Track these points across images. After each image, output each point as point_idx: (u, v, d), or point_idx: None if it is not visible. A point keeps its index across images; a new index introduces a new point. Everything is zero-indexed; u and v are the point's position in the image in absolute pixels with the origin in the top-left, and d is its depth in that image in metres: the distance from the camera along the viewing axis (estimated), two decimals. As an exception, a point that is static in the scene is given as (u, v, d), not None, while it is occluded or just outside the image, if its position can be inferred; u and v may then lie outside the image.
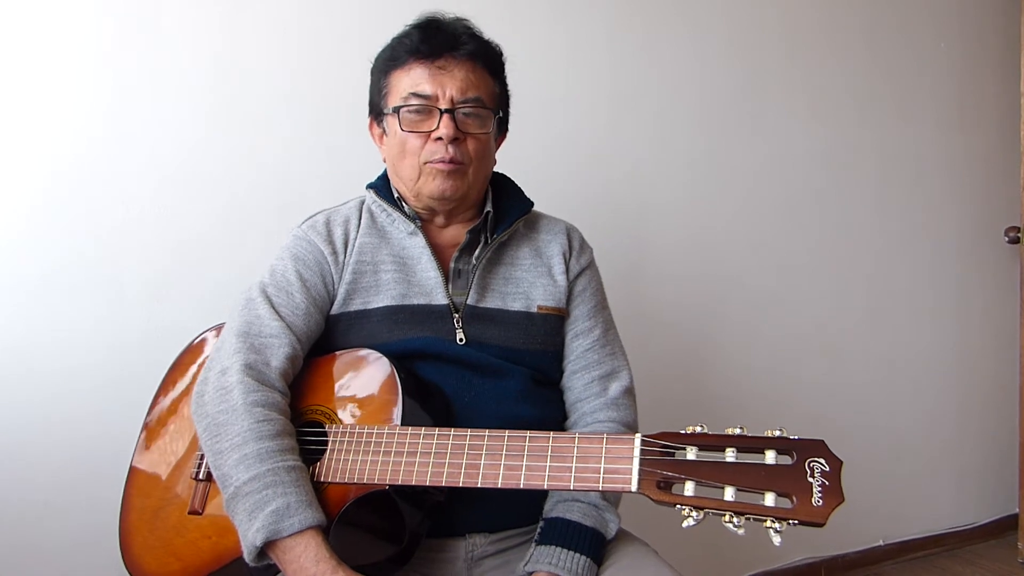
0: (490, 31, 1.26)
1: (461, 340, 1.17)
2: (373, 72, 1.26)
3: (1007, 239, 2.65)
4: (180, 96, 1.62)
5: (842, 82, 2.41)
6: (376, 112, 1.26)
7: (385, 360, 1.09)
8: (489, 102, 1.21)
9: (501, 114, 1.26)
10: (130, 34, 1.58)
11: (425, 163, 1.18)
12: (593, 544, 1.10)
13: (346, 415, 1.08)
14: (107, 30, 1.56)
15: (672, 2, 2.14)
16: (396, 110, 1.18)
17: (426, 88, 1.17)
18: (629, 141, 2.09)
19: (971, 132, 2.67)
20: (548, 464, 0.92)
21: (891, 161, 2.51)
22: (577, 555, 1.07)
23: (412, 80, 1.18)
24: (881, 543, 2.49)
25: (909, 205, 2.55)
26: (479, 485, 0.94)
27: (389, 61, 1.22)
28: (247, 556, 0.97)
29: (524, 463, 0.93)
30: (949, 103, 2.63)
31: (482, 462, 0.95)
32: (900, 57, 2.52)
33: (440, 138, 1.16)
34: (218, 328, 1.27)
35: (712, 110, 2.21)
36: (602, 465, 0.89)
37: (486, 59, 1.22)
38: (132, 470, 1.22)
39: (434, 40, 1.18)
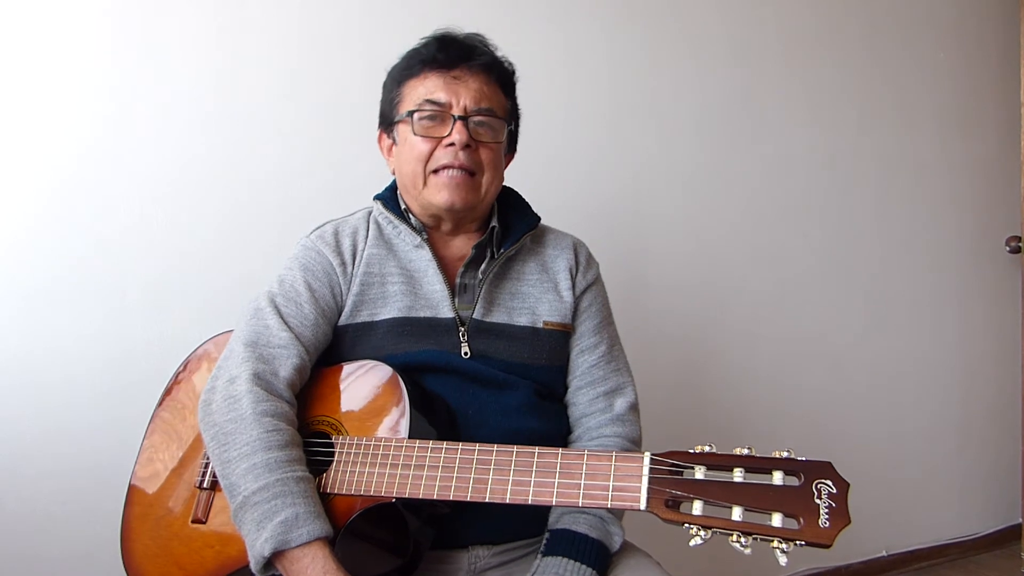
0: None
1: (466, 354, 1.18)
2: (386, 84, 1.27)
3: (1008, 248, 2.64)
4: (181, 103, 1.62)
5: (843, 90, 2.41)
6: (387, 122, 1.27)
7: (392, 372, 1.09)
8: (501, 114, 1.23)
9: (512, 127, 1.28)
10: (131, 41, 1.58)
11: (433, 171, 1.18)
12: (598, 556, 1.10)
13: (352, 426, 1.08)
14: (108, 36, 1.56)
15: (671, 10, 2.14)
16: (410, 114, 1.19)
17: (441, 96, 1.18)
18: (629, 150, 2.09)
19: (971, 141, 2.67)
20: (557, 480, 0.92)
21: (891, 170, 2.51)
22: (583, 566, 1.07)
23: (427, 88, 1.19)
24: (884, 553, 2.48)
25: (910, 214, 2.55)
26: (487, 500, 0.94)
27: (404, 71, 1.23)
28: (254, 566, 0.97)
29: (532, 479, 0.93)
30: (949, 112, 2.63)
31: (490, 477, 0.95)
32: (900, 65, 2.52)
33: (452, 144, 1.16)
34: (221, 337, 1.27)
35: (712, 118, 2.21)
36: (611, 483, 0.89)
37: (499, 73, 1.24)
38: (134, 478, 1.22)
39: (450, 51, 1.20)
